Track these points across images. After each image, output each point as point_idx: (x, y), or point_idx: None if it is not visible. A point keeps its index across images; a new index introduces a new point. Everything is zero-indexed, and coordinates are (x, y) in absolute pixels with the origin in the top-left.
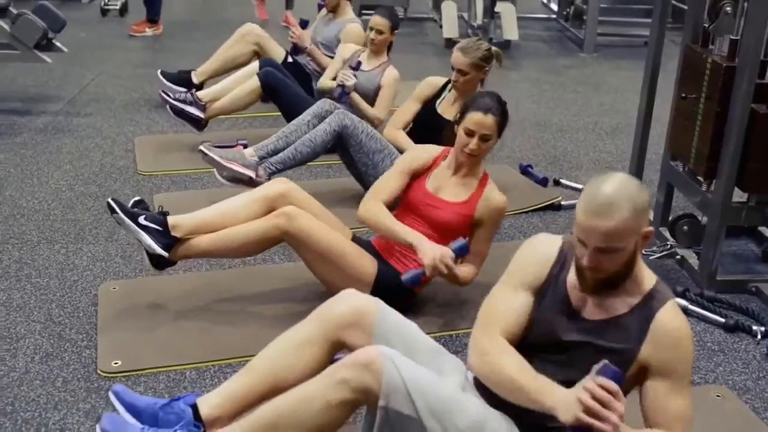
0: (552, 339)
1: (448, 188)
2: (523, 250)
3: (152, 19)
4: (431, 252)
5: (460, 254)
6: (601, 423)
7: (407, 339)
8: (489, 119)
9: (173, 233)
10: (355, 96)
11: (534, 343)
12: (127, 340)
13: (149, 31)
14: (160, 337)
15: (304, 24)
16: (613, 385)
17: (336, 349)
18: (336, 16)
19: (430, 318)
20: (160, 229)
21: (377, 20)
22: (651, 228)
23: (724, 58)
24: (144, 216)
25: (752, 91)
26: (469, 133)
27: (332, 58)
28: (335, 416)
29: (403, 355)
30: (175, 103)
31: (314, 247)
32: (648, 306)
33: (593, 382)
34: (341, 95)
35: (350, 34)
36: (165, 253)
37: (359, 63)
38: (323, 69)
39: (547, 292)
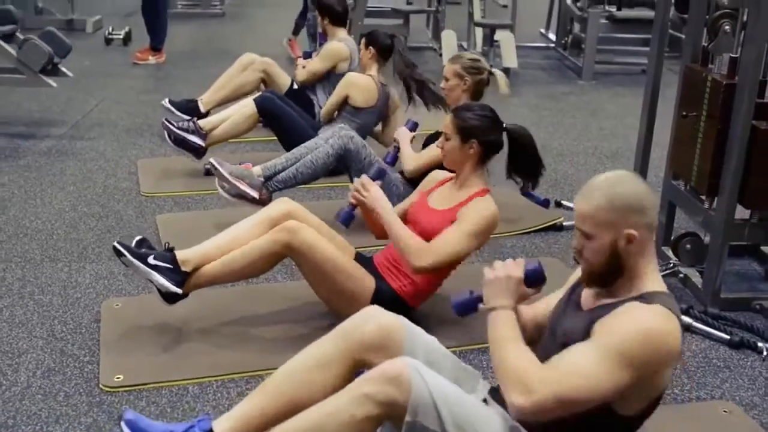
0: (550, 327)
1: (444, 200)
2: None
3: (155, 47)
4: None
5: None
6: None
7: (432, 355)
8: (448, 118)
9: (183, 268)
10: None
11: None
12: (129, 355)
13: (152, 59)
14: (163, 352)
15: (307, 55)
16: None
17: (357, 367)
18: (328, 39)
19: (434, 334)
20: (171, 266)
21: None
22: (633, 231)
23: (724, 76)
24: (153, 255)
25: (752, 108)
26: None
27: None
28: (360, 431)
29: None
30: (178, 131)
31: (315, 262)
32: (632, 300)
33: None
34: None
35: (326, 50)
36: (179, 290)
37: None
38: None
39: (567, 301)
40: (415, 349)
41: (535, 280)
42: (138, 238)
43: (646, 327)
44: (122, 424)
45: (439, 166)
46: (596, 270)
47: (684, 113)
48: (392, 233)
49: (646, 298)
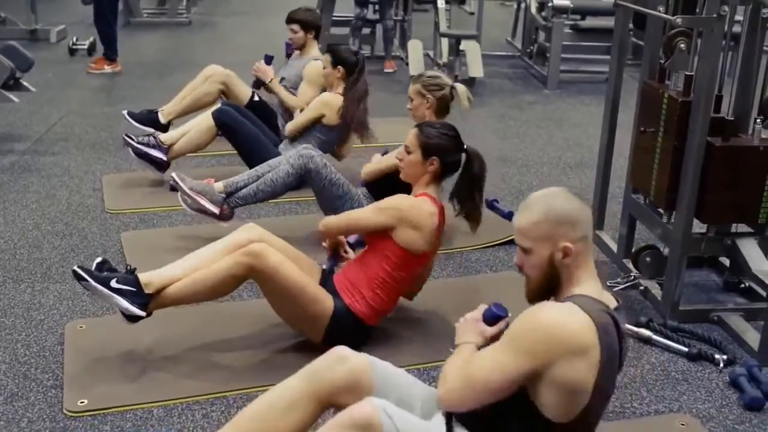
0: None
1: None
2: None
3: (110, 57)
4: None
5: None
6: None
7: (402, 391)
8: (412, 132)
9: (146, 291)
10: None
11: None
12: (93, 378)
13: (108, 69)
14: (127, 375)
15: (268, 59)
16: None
17: (324, 409)
18: (302, 54)
19: (393, 352)
20: (134, 289)
21: (324, 57)
22: (569, 244)
23: (679, 93)
24: (115, 279)
25: (708, 125)
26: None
27: (293, 93)
28: None
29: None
30: (138, 146)
31: (278, 285)
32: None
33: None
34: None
35: (311, 72)
36: (143, 313)
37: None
38: (283, 105)
39: None
40: (385, 389)
41: (489, 318)
42: (98, 260)
43: (542, 317)
44: None
45: (395, 174)
46: (536, 284)
47: (642, 129)
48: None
49: (562, 300)
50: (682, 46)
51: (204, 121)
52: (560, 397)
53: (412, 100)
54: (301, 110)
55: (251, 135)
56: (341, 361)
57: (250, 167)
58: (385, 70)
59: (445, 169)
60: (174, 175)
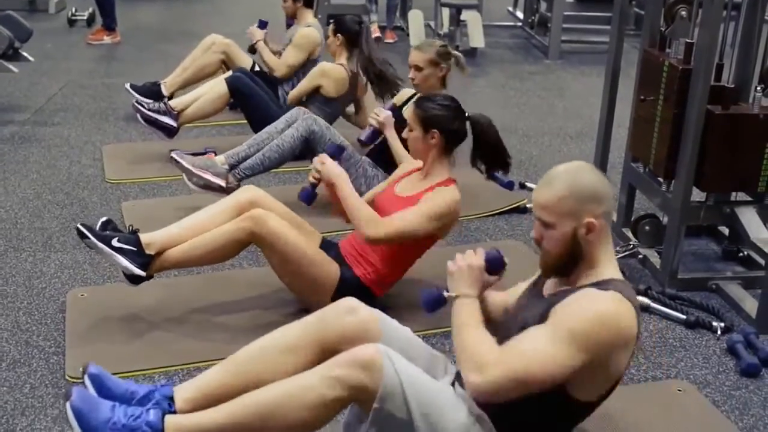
0: (512, 315)
1: (407, 188)
2: None
3: (109, 27)
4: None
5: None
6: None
7: (407, 347)
8: (410, 109)
9: (147, 251)
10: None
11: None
12: (95, 345)
13: (107, 39)
14: (129, 342)
15: (262, 24)
16: (479, 249)
17: (328, 356)
18: (297, 23)
19: (399, 320)
20: (135, 249)
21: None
22: (593, 220)
23: (680, 61)
24: (117, 238)
25: (707, 93)
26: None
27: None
28: (327, 412)
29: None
30: (149, 113)
31: (281, 250)
32: (587, 287)
33: None
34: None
35: (298, 36)
36: (143, 273)
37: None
38: (267, 65)
39: (532, 290)
40: (391, 342)
41: (494, 266)
42: (103, 219)
43: (598, 309)
44: (85, 378)
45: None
46: (556, 259)
47: (642, 97)
48: (347, 204)
49: (601, 284)
50: (683, 13)
51: (217, 87)
52: (597, 380)
53: (422, 69)
54: (284, 75)
55: (264, 102)
56: (351, 311)
57: None
58: (386, 41)
59: (448, 140)
60: (174, 154)
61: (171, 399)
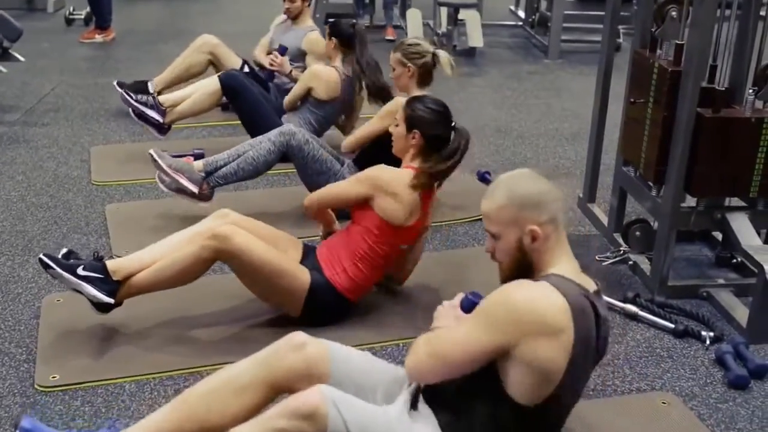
0: None
1: None
2: None
3: (102, 26)
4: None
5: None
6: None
7: (361, 378)
8: (403, 104)
9: (114, 278)
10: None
11: None
12: (67, 353)
13: (99, 38)
14: (101, 350)
15: (283, 51)
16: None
17: (276, 395)
18: (296, 23)
19: (373, 327)
20: (101, 276)
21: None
22: (536, 228)
23: (670, 62)
24: (82, 266)
25: (697, 96)
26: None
27: (296, 67)
28: None
29: (354, 395)
30: (137, 104)
31: (247, 265)
32: None
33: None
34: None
35: (317, 45)
36: (111, 300)
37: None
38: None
39: None
40: (342, 378)
41: (467, 306)
42: (64, 250)
43: (510, 293)
44: None
45: (374, 140)
46: (508, 270)
47: (632, 99)
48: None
49: (536, 278)
50: (674, 13)
51: (209, 84)
52: (528, 377)
53: (394, 70)
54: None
55: (256, 101)
56: (297, 348)
57: (252, 134)
58: (386, 38)
59: (428, 143)
60: (152, 151)
61: None
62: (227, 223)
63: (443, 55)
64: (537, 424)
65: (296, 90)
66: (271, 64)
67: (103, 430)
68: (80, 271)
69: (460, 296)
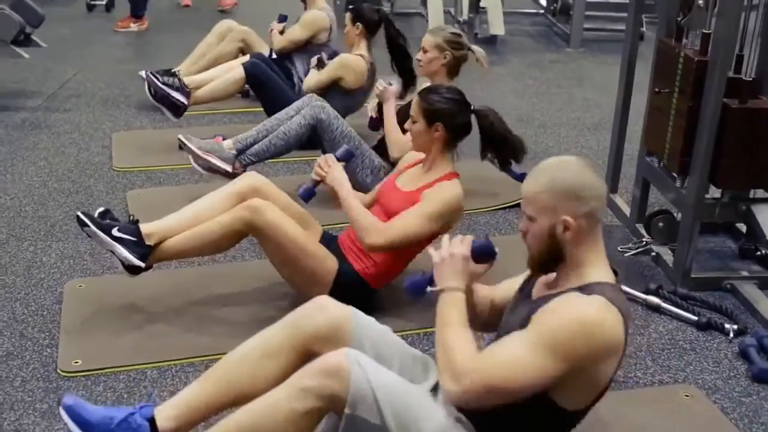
0: (504, 319)
1: (410, 182)
2: None
3: (137, 14)
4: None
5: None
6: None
7: (381, 347)
8: (415, 100)
9: (147, 242)
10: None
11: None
12: (89, 338)
13: (134, 27)
14: (123, 335)
15: (282, 18)
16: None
17: (306, 357)
18: (308, 7)
19: (396, 316)
20: (135, 239)
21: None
22: (570, 219)
23: (696, 52)
24: (117, 227)
25: (724, 86)
26: None
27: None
28: (303, 425)
29: (376, 362)
30: (162, 86)
31: (278, 242)
32: (572, 291)
33: None
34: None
35: (306, 16)
36: (142, 264)
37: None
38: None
39: (521, 292)
40: (363, 341)
41: (482, 255)
42: (101, 209)
43: (580, 316)
44: (61, 410)
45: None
46: (536, 255)
47: (657, 89)
48: (348, 211)
49: (585, 288)
50: (700, 2)
51: (234, 72)
52: (583, 390)
53: (427, 52)
54: (280, 48)
55: (280, 89)
56: (321, 309)
57: None
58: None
59: (452, 134)
60: (181, 136)
61: (152, 420)
62: (255, 187)
63: (479, 51)
64: (573, 420)
65: (322, 77)
66: (270, 31)
67: (138, 410)
68: (115, 232)
69: (468, 240)
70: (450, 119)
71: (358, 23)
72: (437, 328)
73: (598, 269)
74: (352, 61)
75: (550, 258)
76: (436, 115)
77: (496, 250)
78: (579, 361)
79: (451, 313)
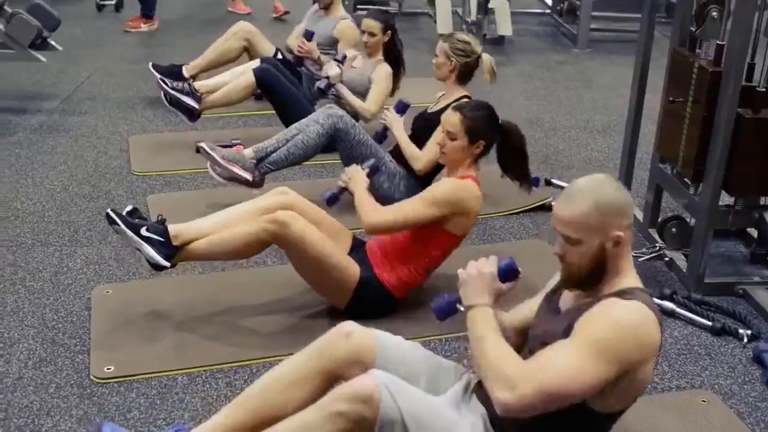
0: (532, 334)
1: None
2: None
3: (147, 14)
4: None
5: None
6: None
7: (407, 365)
8: (455, 117)
9: (174, 243)
10: (342, 88)
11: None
12: (119, 345)
13: (144, 27)
14: (152, 342)
15: (310, 36)
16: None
17: (331, 383)
18: (328, 13)
19: (418, 322)
20: (162, 240)
21: (368, 23)
22: (621, 233)
23: (710, 62)
24: (146, 227)
25: (738, 96)
26: (443, 131)
27: (332, 56)
28: None
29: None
30: (172, 92)
31: (301, 254)
32: (610, 296)
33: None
34: (327, 88)
35: (346, 34)
36: (168, 264)
37: (344, 57)
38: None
39: (547, 307)
40: (388, 364)
41: (508, 274)
42: (129, 207)
43: (627, 321)
44: None
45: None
46: (580, 272)
47: (671, 99)
48: (358, 203)
49: (625, 293)
50: (714, 14)
51: (244, 78)
52: (621, 394)
53: (437, 56)
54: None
55: (290, 94)
56: (345, 336)
57: (286, 125)
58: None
59: (488, 148)
60: (204, 145)
61: None
62: (287, 204)
63: (488, 59)
64: (607, 425)
65: (380, 91)
66: (300, 50)
67: (171, 430)
68: (143, 231)
69: (493, 260)
70: (491, 135)
71: (389, 31)
72: (474, 345)
73: (630, 275)
74: (390, 70)
75: (596, 274)
76: (481, 133)
77: (520, 269)
78: (628, 364)
79: (486, 327)
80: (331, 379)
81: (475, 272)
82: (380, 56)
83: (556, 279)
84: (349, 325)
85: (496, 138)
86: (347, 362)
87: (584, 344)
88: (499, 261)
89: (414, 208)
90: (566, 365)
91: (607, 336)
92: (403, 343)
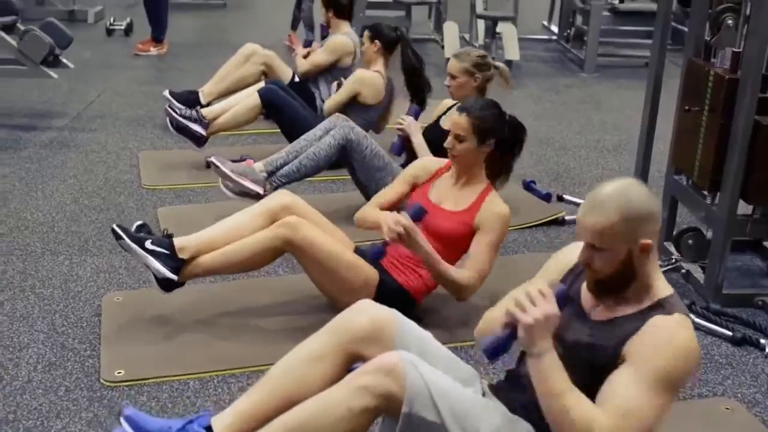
0: (557, 335)
1: (449, 198)
2: (552, 257)
3: (157, 38)
4: (384, 218)
5: (417, 217)
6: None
7: (425, 349)
8: (462, 119)
9: (180, 255)
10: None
11: None
12: (130, 349)
13: (154, 51)
14: (163, 347)
15: (307, 44)
16: (546, 290)
17: (351, 361)
18: (332, 32)
19: (435, 329)
20: (168, 252)
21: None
22: (649, 240)
23: (726, 70)
24: (150, 240)
25: (755, 104)
26: (449, 133)
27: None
28: (357, 424)
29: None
30: (180, 119)
31: (316, 257)
32: (653, 311)
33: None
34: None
35: (331, 44)
36: (174, 277)
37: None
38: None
39: (570, 305)
40: (406, 342)
41: (561, 305)
42: (138, 223)
43: (682, 346)
44: (122, 420)
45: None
46: (608, 278)
47: (686, 108)
48: (433, 269)
49: (664, 306)
50: (730, 22)
51: (249, 99)
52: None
53: (455, 78)
54: (304, 72)
55: (296, 114)
56: (363, 312)
57: None
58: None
59: (499, 147)
60: (214, 159)
61: (209, 429)
62: (289, 205)
63: (503, 68)
64: None
65: (341, 96)
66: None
67: (196, 419)
68: (148, 244)
69: (549, 295)
70: (501, 134)
71: (377, 41)
72: (547, 396)
73: (661, 281)
74: (368, 75)
75: (623, 281)
76: (490, 132)
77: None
78: (683, 386)
79: (561, 378)
80: (349, 356)
81: (541, 317)
82: (378, 66)
83: (561, 259)
84: (366, 302)
85: (506, 136)
86: (365, 337)
87: (650, 380)
88: (555, 295)
89: (492, 256)
90: (646, 408)
91: (671, 368)
92: (423, 332)
